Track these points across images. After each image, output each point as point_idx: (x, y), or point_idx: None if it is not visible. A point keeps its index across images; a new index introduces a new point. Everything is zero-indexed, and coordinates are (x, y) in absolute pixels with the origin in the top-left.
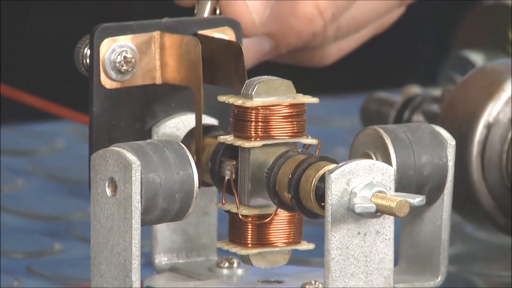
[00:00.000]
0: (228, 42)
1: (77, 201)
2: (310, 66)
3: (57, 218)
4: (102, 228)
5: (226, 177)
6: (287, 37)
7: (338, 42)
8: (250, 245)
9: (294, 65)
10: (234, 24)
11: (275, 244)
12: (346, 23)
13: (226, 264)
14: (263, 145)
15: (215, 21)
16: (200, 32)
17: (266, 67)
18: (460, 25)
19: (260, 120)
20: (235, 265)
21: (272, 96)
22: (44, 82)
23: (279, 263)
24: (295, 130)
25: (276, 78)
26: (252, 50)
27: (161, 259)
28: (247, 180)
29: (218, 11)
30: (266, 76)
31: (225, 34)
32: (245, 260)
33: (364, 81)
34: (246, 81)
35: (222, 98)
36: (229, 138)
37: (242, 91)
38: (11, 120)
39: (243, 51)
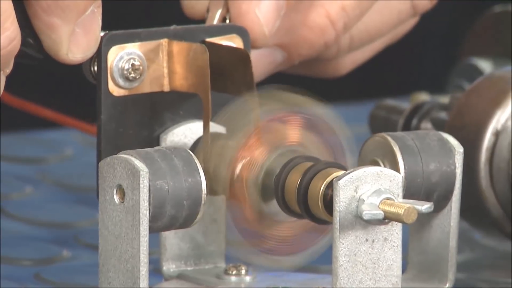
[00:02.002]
0: (236, 49)
1: (85, 209)
2: (324, 78)
3: (65, 225)
4: (110, 235)
5: None
6: (299, 48)
7: (351, 54)
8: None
9: (308, 76)
10: (242, 32)
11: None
12: (360, 34)
13: (234, 272)
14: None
15: (223, 29)
16: (208, 39)
17: (275, 75)
18: (468, 33)
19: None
20: (243, 272)
21: None
22: (52, 89)
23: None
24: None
25: None
26: (264, 61)
27: (169, 266)
28: None
29: (227, 21)
30: None
31: (233, 41)
32: None
33: (372, 88)
34: None
35: None
36: None
37: None
38: (19, 128)
39: (255, 62)
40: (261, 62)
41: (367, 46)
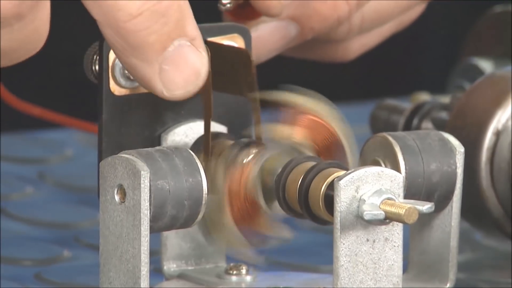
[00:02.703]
0: (238, 49)
1: (86, 209)
2: (332, 61)
3: (66, 225)
4: (111, 235)
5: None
6: (312, 21)
7: (360, 37)
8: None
9: (317, 61)
10: (243, 32)
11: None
12: (371, 15)
13: (235, 271)
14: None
15: (224, 28)
16: (209, 39)
17: (279, 71)
18: (469, 33)
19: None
20: (243, 272)
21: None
22: (53, 89)
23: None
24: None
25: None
26: (278, 35)
27: (170, 266)
28: None
29: None
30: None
31: (234, 41)
32: None
33: (373, 88)
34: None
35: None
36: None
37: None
38: (20, 128)
39: (269, 35)
40: (274, 36)
41: (376, 30)
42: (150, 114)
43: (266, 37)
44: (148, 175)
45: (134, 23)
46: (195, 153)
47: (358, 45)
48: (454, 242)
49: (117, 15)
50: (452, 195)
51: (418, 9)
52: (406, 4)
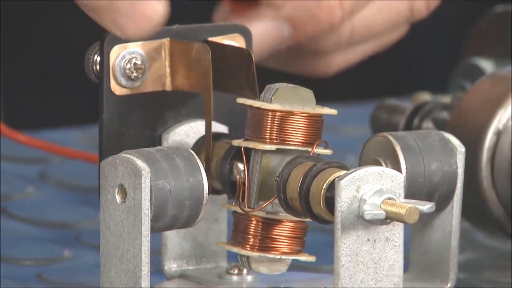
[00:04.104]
0: (238, 49)
1: (87, 209)
2: (313, 75)
3: (67, 225)
4: (111, 235)
5: (237, 177)
6: (306, 24)
7: (345, 52)
8: (251, 248)
9: (298, 74)
10: (244, 31)
11: (277, 250)
12: (360, 28)
13: (236, 271)
14: (276, 150)
15: (225, 28)
16: (210, 39)
17: (276, 74)
18: (470, 33)
19: (276, 124)
20: (244, 272)
21: (291, 103)
22: (54, 87)
23: (279, 271)
24: (310, 140)
25: (298, 86)
26: (271, 34)
27: (170, 266)
28: (257, 184)
29: None
30: (288, 84)
31: (235, 41)
32: (244, 263)
33: (373, 88)
34: (267, 85)
35: (240, 100)
36: (243, 141)
37: (262, 94)
38: (21, 128)
39: (262, 35)
40: (268, 35)
41: (360, 46)
42: (151, 113)
43: (259, 36)
44: (149, 175)
45: None
46: (196, 153)
47: (341, 60)
48: (454, 242)
49: None
50: (453, 195)
51: (400, 31)
52: (394, 21)
